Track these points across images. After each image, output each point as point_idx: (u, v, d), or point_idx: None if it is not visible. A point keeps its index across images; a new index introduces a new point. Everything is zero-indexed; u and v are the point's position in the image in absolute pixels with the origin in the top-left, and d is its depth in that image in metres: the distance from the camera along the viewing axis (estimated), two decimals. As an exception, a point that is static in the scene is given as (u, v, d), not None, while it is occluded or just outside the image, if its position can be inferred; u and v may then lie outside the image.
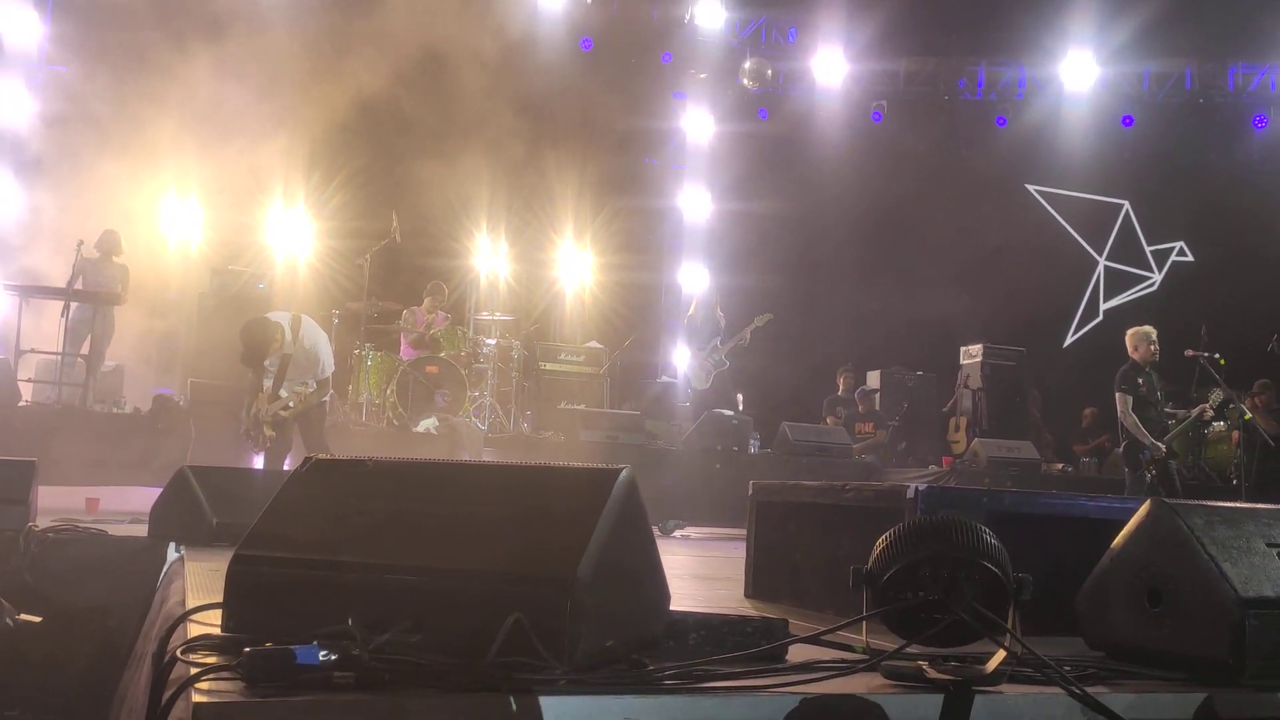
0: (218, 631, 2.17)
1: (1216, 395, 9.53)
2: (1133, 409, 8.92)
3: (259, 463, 7.75)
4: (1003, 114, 15.05)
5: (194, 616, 2.50)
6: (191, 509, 4.71)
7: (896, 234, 14.11)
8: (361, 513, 2.23)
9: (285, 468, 7.62)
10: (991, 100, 15.18)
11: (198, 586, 3.21)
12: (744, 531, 3.96)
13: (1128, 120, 14.94)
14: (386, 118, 11.66)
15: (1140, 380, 9.01)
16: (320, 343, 7.76)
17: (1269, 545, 2.48)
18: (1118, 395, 9.03)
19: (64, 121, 10.64)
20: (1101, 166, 14.88)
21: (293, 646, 1.80)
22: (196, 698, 1.68)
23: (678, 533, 8.50)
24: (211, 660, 1.94)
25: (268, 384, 7.61)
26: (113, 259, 10.14)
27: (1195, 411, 9.36)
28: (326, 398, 8.09)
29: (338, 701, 1.70)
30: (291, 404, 7.58)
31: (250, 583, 2.16)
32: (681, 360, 13.36)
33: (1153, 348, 9.08)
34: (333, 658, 1.81)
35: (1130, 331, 9.32)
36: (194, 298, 10.53)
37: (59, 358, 9.34)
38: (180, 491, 4.86)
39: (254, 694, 1.70)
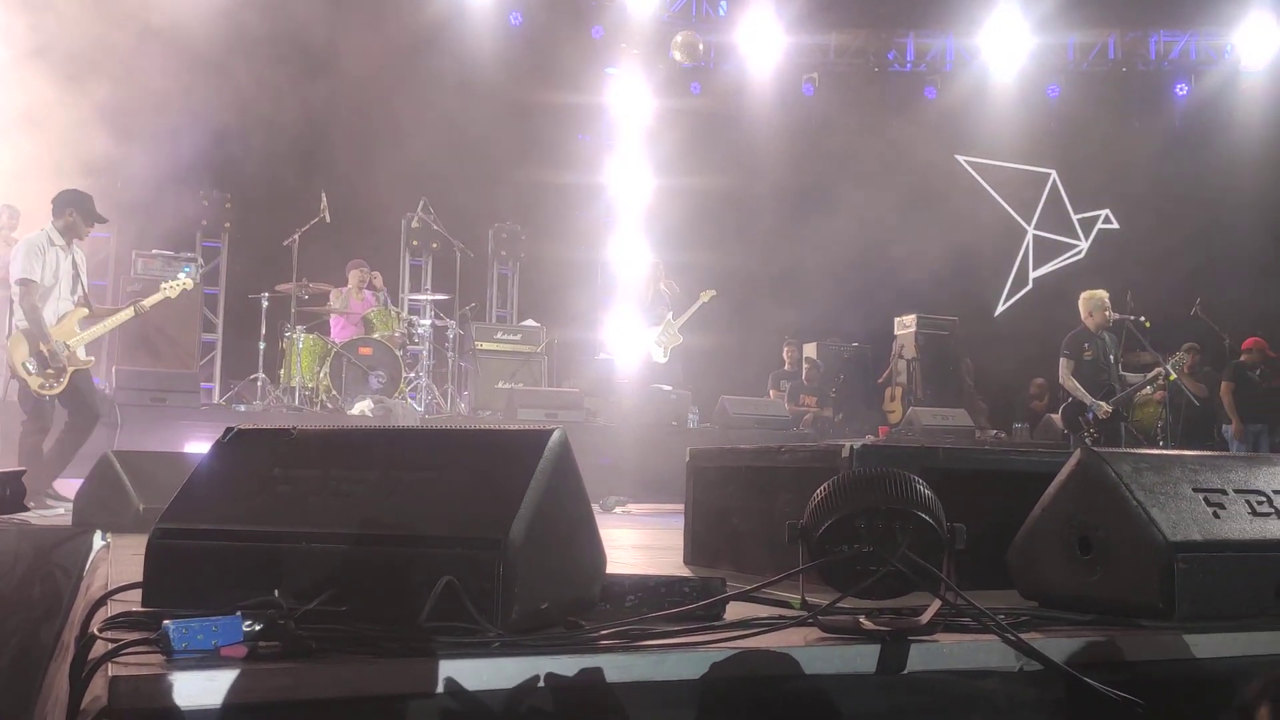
0: (140, 608, 2.11)
1: (1180, 357, 9.60)
2: (1077, 372, 8.96)
3: (183, 447, 7.57)
4: (932, 85, 15.18)
5: (119, 597, 2.43)
6: (117, 495, 4.59)
7: (829, 206, 14.16)
8: (287, 481, 2.18)
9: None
10: (921, 72, 15.30)
11: (122, 570, 3.12)
12: (684, 505, 3.95)
13: (1054, 90, 15.15)
14: (311, 96, 11.42)
15: (1087, 345, 9.01)
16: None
17: (1195, 490, 2.53)
18: (1061, 360, 9.09)
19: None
20: (1029, 136, 15.08)
21: (214, 617, 1.75)
22: (114, 671, 1.62)
23: (619, 509, 8.48)
24: (132, 637, 1.87)
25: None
26: (11, 236, 9.77)
27: (1151, 374, 9.41)
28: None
29: (262, 670, 1.65)
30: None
31: (171, 556, 2.10)
32: (626, 337, 13.26)
33: (1106, 313, 9.07)
34: (257, 627, 1.76)
35: (1083, 296, 9.28)
36: (118, 282, 10.28)
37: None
38: (104, 478, 4.73)
39: (174, 666, 1.65)
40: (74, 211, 7.00)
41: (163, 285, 7.65)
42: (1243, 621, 2.34)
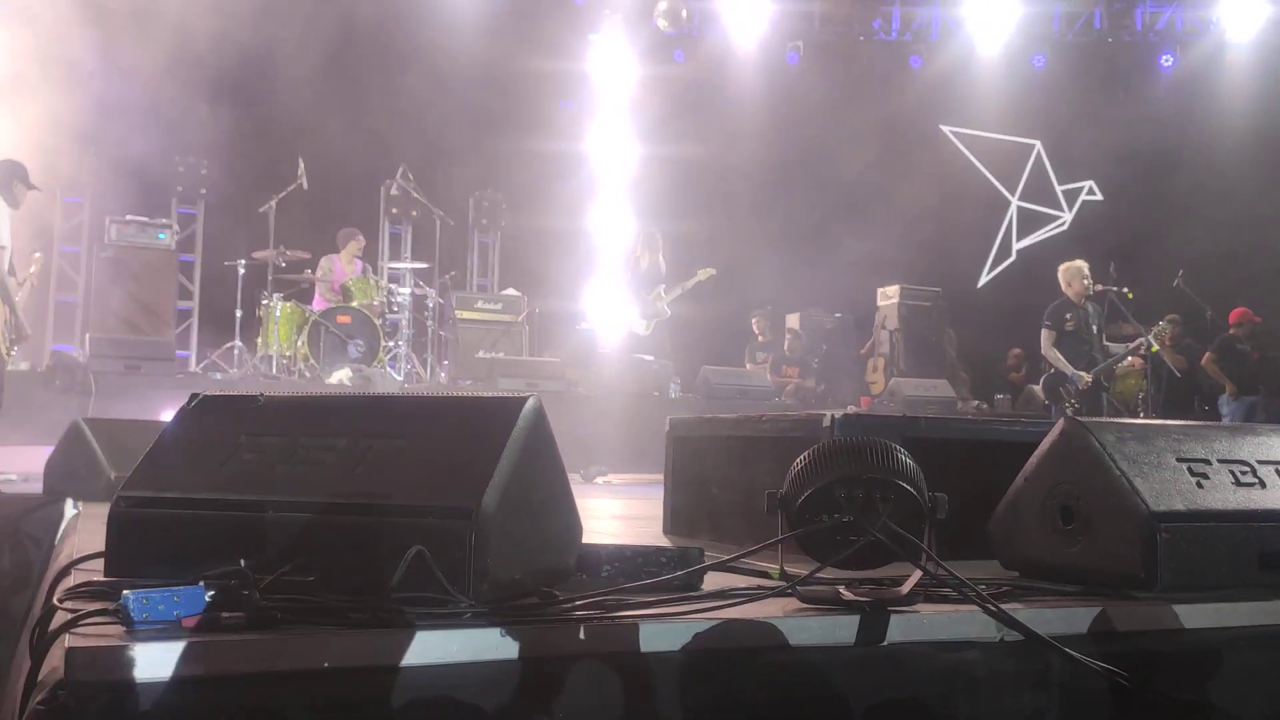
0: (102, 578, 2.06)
1: (1162, 327, 9.60)
2: (1059, 343, 8.96)
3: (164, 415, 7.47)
4: (917, 54, 15.08)
5: (83, 567, 2.37)
6: (88, 463, 4.50)
7: (813, 176, 14.11)
8: (253, 449, 2.12)
9: None
10: (906, 41, 15.18)
11: (90, 539, 3.06)
12: (664, 475, 3.91)
13: (1039, 60, 15.07)
14: (290, 60, 11.25)
15: (1068, 315, 9.02)
16: None
17: (1179, 460, 2.49)
18: (1042, 330, 9.08)
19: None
20: (1014, 107, 15.02)
21: (176, 587, 1.70)
22: (70, 642, 1.57)
23: (600, 479, 8.44)
24: (92, 608, 1.82)
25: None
26: None
27: (1133, 345, 9.40)
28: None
29: (225, 642, 1.60)
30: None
31: (134, 525, 2.04)
32: (608, 308, 13.16)
33: (1085, 282, 9.07)
34: (220, 598, 1.71)
35: (1062, 267, 9.30)
36: (91, 250, 10.15)
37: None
38: (75, 445, 4.64)
39: (134, 637, 1.60)
40: (18, 182, 6.99)
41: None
42: (1225, 592, 2.32)
